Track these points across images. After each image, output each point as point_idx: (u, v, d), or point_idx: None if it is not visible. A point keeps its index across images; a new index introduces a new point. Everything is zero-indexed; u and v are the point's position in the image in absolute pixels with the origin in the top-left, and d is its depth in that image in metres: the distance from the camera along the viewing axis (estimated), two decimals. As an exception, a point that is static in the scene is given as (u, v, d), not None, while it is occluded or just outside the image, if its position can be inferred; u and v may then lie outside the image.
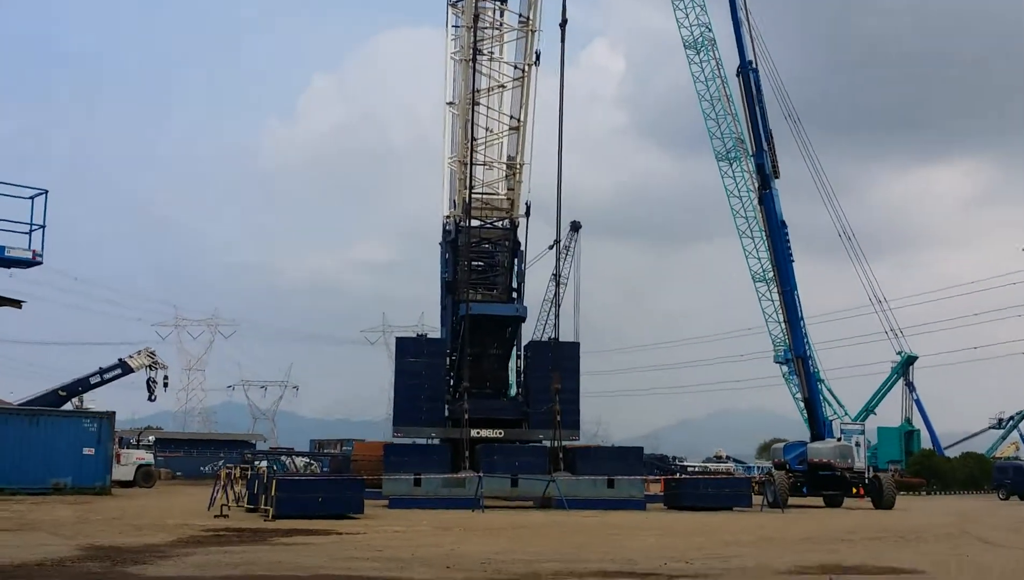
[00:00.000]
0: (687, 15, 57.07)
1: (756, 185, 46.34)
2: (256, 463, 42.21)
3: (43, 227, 28.80)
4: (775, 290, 49.19)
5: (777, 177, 42.96)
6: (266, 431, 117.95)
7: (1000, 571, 15.71)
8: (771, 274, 51.92)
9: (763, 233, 51.10)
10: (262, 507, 26.26)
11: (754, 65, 42.75)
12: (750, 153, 46.85)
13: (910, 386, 74.64)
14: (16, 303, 44.14)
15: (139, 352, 47.98)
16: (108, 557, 15.02)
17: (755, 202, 52.56)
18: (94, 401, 46.69)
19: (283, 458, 59.82)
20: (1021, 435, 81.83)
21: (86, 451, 35.64)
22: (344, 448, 60.28)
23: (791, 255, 43.22)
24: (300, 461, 60.03)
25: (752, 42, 42.98)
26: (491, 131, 39.07)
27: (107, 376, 45.84)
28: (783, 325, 48.11)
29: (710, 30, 58.69)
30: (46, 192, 28.90)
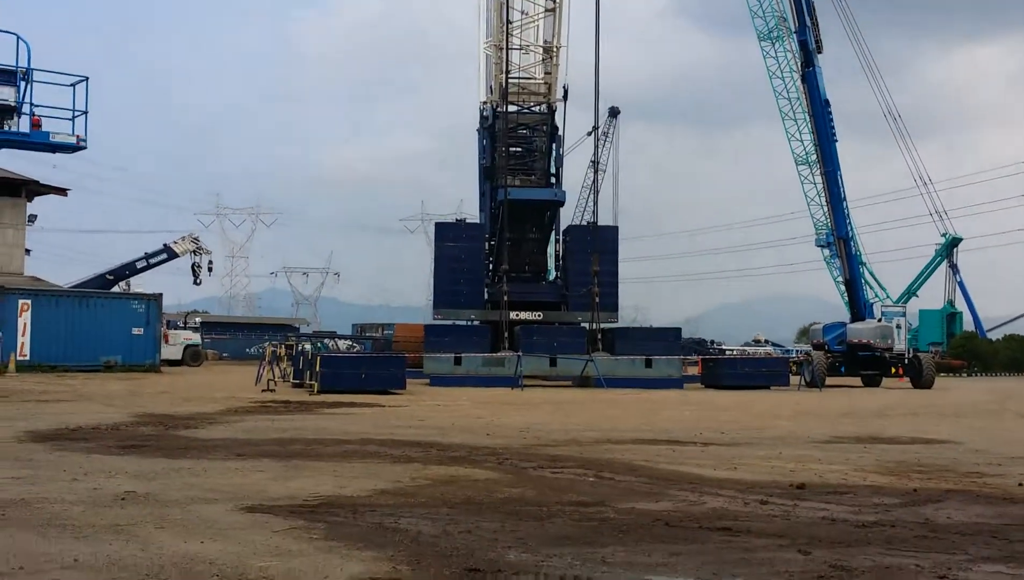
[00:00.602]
0: None
1: (799, 64, 45.22)
2: (301, 344, 43.07)
3: (86, 113, 29.17)
4: (818, 173, 48.39)
5: (820, 52, 41.89)
6: (309, 316, 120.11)
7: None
8: (814, 157, 51.02)
9: (806, 114, 49.99)
10: (307, 382, 26.96)
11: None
12: (792, 31, 45.55)
13: (954, 268, 73.89)
14: (62, 191, 44.80)
15: (183, 238, 48.66)
16: (160, 423, 15.58)
17: (798, 82, 51.35)
18: (141, 286, 47.66)
19: (326, 340, 60.98)
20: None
21: (135, 331, 36.62)
22: (386, 331, 61.15)
23: (834, 135, 42.48)
24: (343, 343, 61.20)
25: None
26: (526, 14, 38.28)
27: (153, 261, 46.67)
28: (825, 207, 47.55)
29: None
30: (87, 79, 29.18)
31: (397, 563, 5.87)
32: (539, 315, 37.46)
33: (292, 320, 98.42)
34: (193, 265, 48.11)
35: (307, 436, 13.97)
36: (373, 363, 29.36)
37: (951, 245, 71.96)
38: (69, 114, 28.70)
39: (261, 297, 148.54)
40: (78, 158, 31.13)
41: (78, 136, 28.83)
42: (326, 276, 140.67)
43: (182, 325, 48.99)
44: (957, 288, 74.58)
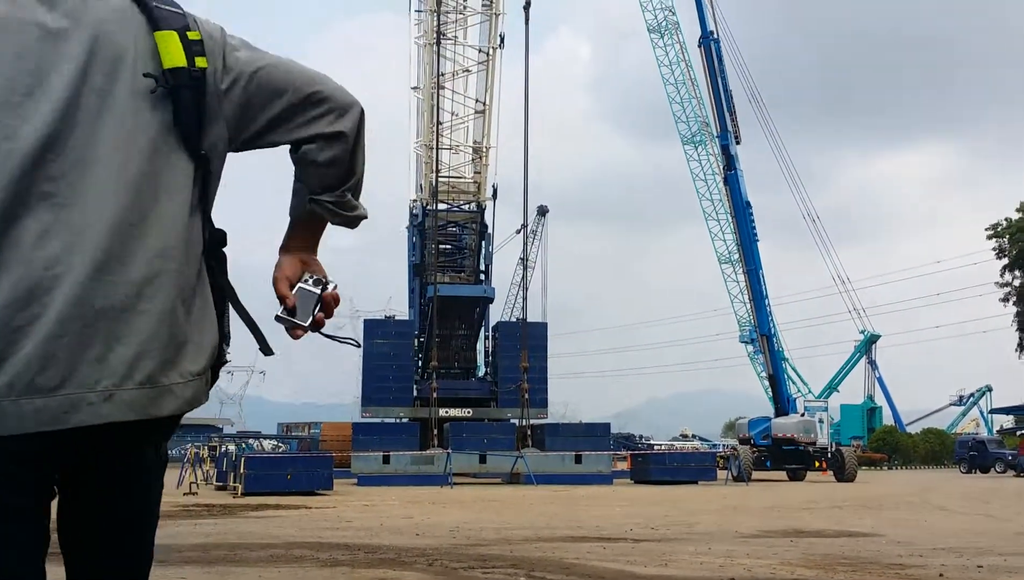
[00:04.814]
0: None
1: (721, 166, 46.88)
2: (225, 445, 42.06)
3: None
4: (740, 271, 49.82)
5: (739, 143, 43.48)
6: (233, 415, 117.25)
7: (956, 532, 16.15)
8: (736, 256, 52.57)
9: (728, 215, 51.72)
10: (231, 485, 26.32)
11: (715, 35, 43.19)
12: (715, 135, 47.36)
13: (873, 364, 75.94)
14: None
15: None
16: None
17: (720, 184, 53.18)
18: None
19: (251, 441, 59.66)
20: (981, 412, 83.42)
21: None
22: (312, 431, 60.19)
23: (756, 235, 43.81)
24: (268, 444, 59.94)
25: (713, 12, 43.37)
26: (457, 115, 39.30)
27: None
28: (748, 305, 48.76)
29: (674, 14, 59.07)
30: None
31: (326, 669, 5.76)
32: (469, 412, 37.41)
33: (216, 420, 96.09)
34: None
35: (231, 540, 13.61)
36: (299, 463, 28.80)
37: (870, 342, 74.08)
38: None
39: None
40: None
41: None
42: (251, 374, 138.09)
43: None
44: (876, 383, 76.55)
